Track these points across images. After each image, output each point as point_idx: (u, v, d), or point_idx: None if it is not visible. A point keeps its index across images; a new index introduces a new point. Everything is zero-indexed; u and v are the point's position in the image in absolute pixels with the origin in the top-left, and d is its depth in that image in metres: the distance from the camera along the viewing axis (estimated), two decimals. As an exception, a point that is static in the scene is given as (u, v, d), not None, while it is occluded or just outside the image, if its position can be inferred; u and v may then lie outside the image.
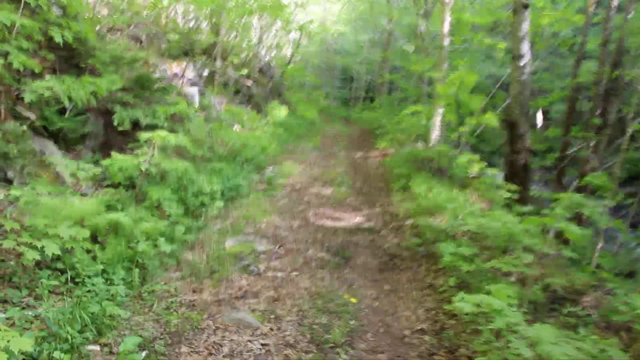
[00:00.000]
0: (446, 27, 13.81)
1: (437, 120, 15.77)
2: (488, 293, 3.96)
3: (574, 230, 4.79)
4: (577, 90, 13.14)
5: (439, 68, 15.51)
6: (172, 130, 9.81)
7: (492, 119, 8.94)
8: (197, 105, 14.08)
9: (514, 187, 8.10)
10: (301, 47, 39.55)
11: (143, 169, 6.54)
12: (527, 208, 6.16)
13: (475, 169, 9.15)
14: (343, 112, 35.39)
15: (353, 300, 5.52)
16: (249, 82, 21.65)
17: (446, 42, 14.70)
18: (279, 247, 7.04)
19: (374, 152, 17.62)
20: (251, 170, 10.91)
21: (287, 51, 36.16)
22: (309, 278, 6.08)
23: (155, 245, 5.72)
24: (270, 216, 8.43)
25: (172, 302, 5.06)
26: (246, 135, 12.41)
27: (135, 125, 8.70)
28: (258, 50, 26.19)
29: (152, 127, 9.28)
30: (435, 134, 15.88)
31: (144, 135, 6.70)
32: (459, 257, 5.47)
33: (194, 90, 14.27)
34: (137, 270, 5.26)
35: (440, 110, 15.88)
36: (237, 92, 21.05)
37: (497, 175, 10.45)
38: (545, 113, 21.18)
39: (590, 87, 13.28)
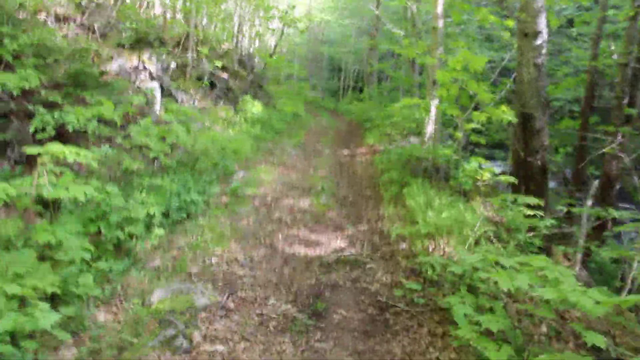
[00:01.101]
0: (440, 7, 11.87)
1: (432, 113, 13.94)
2: None
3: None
4: (596, 74, 11.19)
5: (432, 53, 13.63)
6: (107, 139, 7.88)
7: (507, 113, 6.97)
8: (158, 102, 12.08)
9: (533, 200, 6.20)
10: (286, 37, 37.57)
11: (30, 198, 4.59)
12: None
13: (485, 176, 7.23)
14: (331, 103, 33.42)
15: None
16: (226, 75, 19.66)
17: (440, 23, 12.81)
18: (229, 297, 5.10)
19: (362, 149, 15.69)
20: (213, 181, 8.97)
21: (271, 41, 34.13)
22: (262, 353, 4.15)
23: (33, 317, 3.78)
24: (227, 244, 6.50)
25: None
26: (211, 137, 10.44)
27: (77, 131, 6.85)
28: (237, 40, 24.17)
29: (83, 134, 7.38)
30: (430, 128, 13.98)
31: (30, 150, 4.76)
32: (480, 334, 3.54)
33: (154, 86, 12.23)
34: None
35: (436, 102, 14.00)
36: (213, 86, 19.08)
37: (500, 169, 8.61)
38: (546, 103, 19.20)
39: (607, 72, 11.35)
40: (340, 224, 7.78)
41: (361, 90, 34.41)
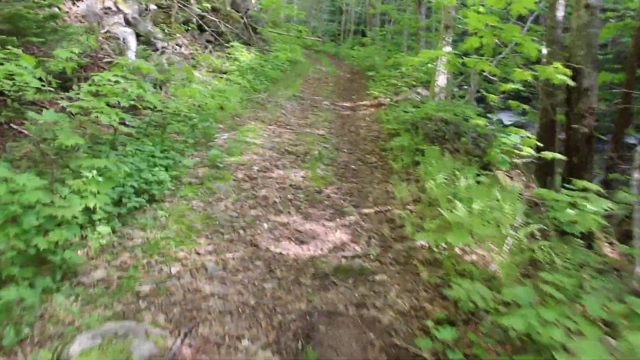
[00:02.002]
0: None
1: (443, 60, 12.26)
2: None
3: None
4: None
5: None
6: (50, 103, 6.27)
7: (561, 71, 5.27)
8: (132, 51, 10.35)
9: (580, 182, 4.62)
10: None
11: None
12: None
13: (526, 151, 5.62)
14: (331, 48, 31.37)
15: None
16: (215, 18, 17.77)
17: None
18: (185, 336, 3.59)
19: (365, 101, 14.01)
20: (186, 149, 7.39)
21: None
22: None
23: None
24: (195, 241, 4.98)
25: None
26: (189, 92, 8.77)
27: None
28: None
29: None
30: (441, 79, 12.29)
31: None
32: None
33: (126, 32, 10.47)
34: None
35: (448, 48, 12.31)
36: (201, 30, 17.19)
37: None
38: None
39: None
40: (340, 206, 6.22)
41: (363, 34, 32.34)
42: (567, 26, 7.67)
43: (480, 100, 17.65)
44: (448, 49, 12.19)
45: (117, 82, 5.62)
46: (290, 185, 6.74)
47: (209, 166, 7.05)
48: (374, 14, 27.77)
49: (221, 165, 7.08)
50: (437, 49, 12.41)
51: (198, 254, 4.76)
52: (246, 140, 8.54)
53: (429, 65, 12.82)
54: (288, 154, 8.15)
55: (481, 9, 8.94)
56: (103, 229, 4.65)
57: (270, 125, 10.08)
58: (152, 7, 13.12)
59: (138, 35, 11.57)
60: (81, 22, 10.33)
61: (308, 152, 8.30)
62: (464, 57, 5.92)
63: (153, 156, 6.34)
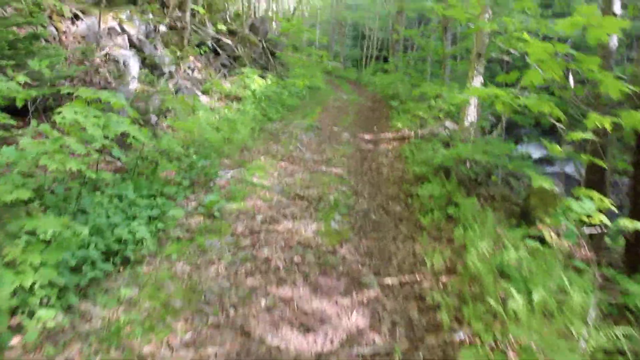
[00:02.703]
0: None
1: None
2: None
3: None
4: None
5: (481, 16, 10.79)
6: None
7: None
8: (133, 75, 9.37)
9: None
10: (307, 1, 34.50)
11: None
12: None
13: (597, 219, 4.42)
14: (353, 74, 30.42)
15: None
16: (232, 41, 16.86)
17: None
18: None
19: (388, 133, 12.87)
20: (182, 190, 6.30)
21: (290, 3, 31.07)
22: None
23: None
24: (166, 330, 3.83)
25: None
26: (186, 125, 7.70)
27: None
28: (250, 2, 21.23)
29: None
30: (471, 112, 11.14)
31: None
32: None
33: (126, 55, 9.48)
34: None
35: (479, 79, 11.18)
36: (216, 54, 16.26)
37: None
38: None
39: None
40: (358, 273, 5.05)
41: (385, 60, 31.34)
42: None
43: (508, 129, 16.45)
44: (479, 79, 11.08)
45: (81, 118, 4.53)
46: (299, 242, 5.59)
47: (205, 215, 5.95)
48: (397, 39, 26.74)
49: (218, 215, 5.97)
50: (468, 78, 11.28)
51: (170, 347, 3.62)
52: (252, 181, 7.44)
53: (456, 99, 11.70)
54: (299, 199, 7.02)
55: (525, 36, 7.82)
56: (45, 313, 3.54)
57: (282, 161, 8.98)
58: (162, 28, 12.19)
59: (144, 59, 10.61)
60: (79, 42, 9.39)
61: (322, 197, 7.16)
62: (520, 97, 4.70)
63: (134, 205, 5.26)
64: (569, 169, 17.99)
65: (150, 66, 10.65)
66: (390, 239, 5.96)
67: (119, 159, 6.53)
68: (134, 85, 9.38)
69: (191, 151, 7.38)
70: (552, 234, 6.47)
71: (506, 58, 12.22)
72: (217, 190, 6.73)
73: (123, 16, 10.57)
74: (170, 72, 11.39)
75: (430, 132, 11.71)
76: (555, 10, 13.57)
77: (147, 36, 11.35)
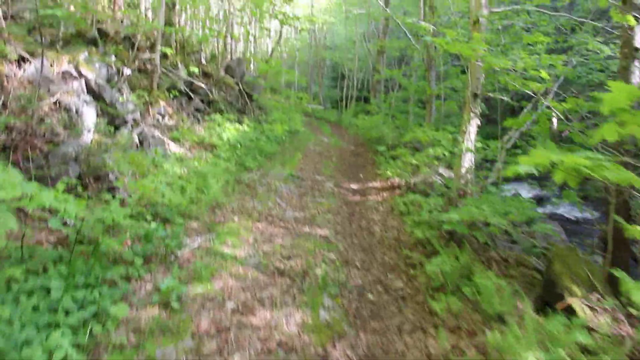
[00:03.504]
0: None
1: (472, 138, 10.09)
2: None
3: None
4: None
5: (476, 47, 9.84)
6: None
7: None
8: (88, 126, 8.13)
9: None
10: (285, 42, 33.74)
11: None
12: None
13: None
14: (333, 115, 29.50)
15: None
16: (206, 84, 15.70)
17: (485, 11, 9.16)
18: None
19: (375, 182, 11.71)
20: (132, 273, 4.99)
21: (268, 44, 30.26)
22: None
23: None
24: None
25: None
26: (145, 186, 6.41)
27: None
28: (225, 43, 20.23)
29: None
30: (467, 157, 10.06)
31: None
32: None
33: (80, 102, 8.24)
34: None
35: (476, 122, 10.15)
36: (189, 98, 15.08)
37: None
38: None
39: None
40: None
41: (366, 101, 30.50)
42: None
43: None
44: (476, 121, 10.04)
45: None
46: (280, 343, 4.29)
47: (160, 305, 4.64)
48: (379, 80, 25.89)
49: (177, 305, 4.66)
50: (463, 121, 10.22)
51: None
52: (223, 251, 6.16)
53: (449, 147, 10.61)
54: (279, 275, 5.74)
55: (543, 74, 6.74)
56: None
57: (259, 221, 7.74)
58: (127, 71, 10.99)
59: (103, 106, 9.37)
60: (25, 88, 8.13)
61: (307, 271, 5.90)
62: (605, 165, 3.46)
63: (61, 303, 3.95)
64: (562, 209, 16.95)
65: (111, 114, 9.40)
66: (394, 330, 4.69)
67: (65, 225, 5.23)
68: (88, 137, 8.12)
69: (148, 218, 6.09)
70: (585, 307, 5.32)
71: (506, 98, 11.22)
72: (179, 268, 5.43)
73: (80, 58, 9.35)
74: (134, 120, 10.15)
75: (423, 181, 10.57)
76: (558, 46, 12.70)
77: (108, 80, 10.12)
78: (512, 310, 4.39)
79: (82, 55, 9.53)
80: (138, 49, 12.00)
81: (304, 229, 7.63)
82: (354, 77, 33.93)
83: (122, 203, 5.90)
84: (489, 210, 5.67)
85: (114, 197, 5.97)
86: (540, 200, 20.13)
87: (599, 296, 5.68)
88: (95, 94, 9.31)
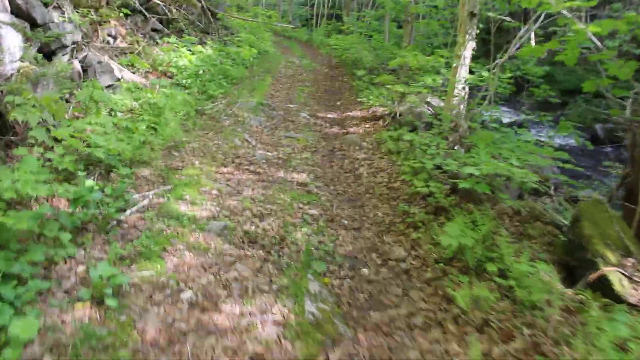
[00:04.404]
0: None
1: (467, 61, 8.89)
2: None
3: None
4: None
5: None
6: None
7: None
8: (10, 52, 6.56)
9: None
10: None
11: None
12: None
13: None
14: (304, 35, 27.51)
15: None
16: (164, 1, 13.81)
17: None
18: None
19: (356, 111, 10.38)
20: (60, 250, 3.68)
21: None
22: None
23: None
24: None
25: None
26: (73, 130, 4.97)
27: None
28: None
29: None
30: (459, 85, 8.81)
31: None
32: None
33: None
34: None
35: (472, 45, 8.87)
36: (146, 17, 13.22)
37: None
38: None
39: None
40: None
41: (337, 18, 28.53)
42: None
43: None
44: (472, 44, 8.73)
45: None
46: (253, 357, 3.10)
47: (91, 303, 3.38)
48: (352, -4, 23.89)
49: (114, 303, 3.39)
50: (458, 44, 8.87)
51: None
52: (179, 211, 4.86)
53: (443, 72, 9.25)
54: (250, 244, 4.50)
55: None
56: None
57: (224, 166, 6.42)
58: (63, -16, 9.16)
59: (34, 26, 7.70)
60: None
61: (284, 237, 4.67)
62: None
63: None
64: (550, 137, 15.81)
65: (44, 38, 7.74)
66: (403, 327, 3.54)
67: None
68: (12, 66, 6.54)
69: (80, 174, 4.71)
70: (623, 278, 4.29)
71: (507, 19, 9.84)
72: (121, 241, 4.14)
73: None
74: (76, 44, 8.49)
75: (409, 111, 9.27)
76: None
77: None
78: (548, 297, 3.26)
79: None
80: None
81: (278, 174, 6.35)
82: (324, -7, 31.74)
83: (42, 159, 4.49)
84: (515, 160, 4.45)
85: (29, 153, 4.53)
86: (520, 126, 19.02)
87: (634, 261, 4.59)
88: (21, 13, 7.60)
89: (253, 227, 4.77)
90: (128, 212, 4.68)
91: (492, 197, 5.42)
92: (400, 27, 20.54)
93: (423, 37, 17.80)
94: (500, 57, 8.82)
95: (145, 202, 5.01)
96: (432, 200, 5.30)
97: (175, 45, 10.32)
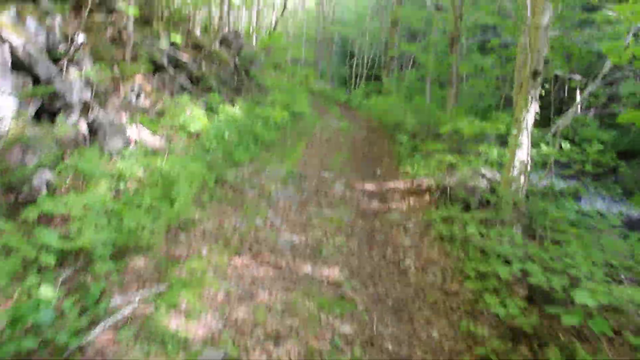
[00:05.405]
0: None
1: (528, 129, 7.60)
2: None
3: None
4: None
5: (536, 20, 7.36)
6: None
7: None
8: (5, 115, 5.54)
9: None
10: (292, 14, 31.09)
11: None
12: None
13: None
14: (342, 95, 26.59)
15: None
16: (194, 58, 13.05)
17: None
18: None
19: (398, 182, 9.10)
20: None
21: (272, 17, 27.45)
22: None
23: None
24: None
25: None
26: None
27: None
28: (222, 13, 17.35)
29: None
30: (522, 154, 7.51)
31: None
32: None
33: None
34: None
35: (535, 107, 7.61)
36: (174, 73, 12.38)
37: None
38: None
39: None
40: None
41: (377, 79, 27.66)
42: None
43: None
44: (535, 106, 7.49)
45: None
46: None
47: None
48: (393, 56, 22.90)
49: None
50: (517, 107, 7.61)
51: None
52: (166, 329, 3.59)
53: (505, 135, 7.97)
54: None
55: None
56: None
57: (238, 255, 5.17)
58: (80, 38, 8.28)
59: (37, 82, 6.75)
60: None
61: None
62: None
63: None
64: (599, 205, 14.18)
65: (47, 95, 6.77)
66: None
67: None
68: (2, 128, 5.54)
69: (33, 280, 3.53)
70: None
71: (577, 77, 8.58)
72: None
73: (4, 18, 6.71)
74: (85, 104, 7.51)
75: (461, 183, 7.94)
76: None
77: (49, 49, 7.45)
78: None
79: (8, 13, 6.88)
80: (91, 10, 9.21)
81: (304, 269, 5.06)
82: (363, 54, 31.05)
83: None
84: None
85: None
86: (574, 195, 17.33)
87: None
88: (23, 67, 6.68)
89: (264, 358, 3.45)
90: (98, 329, 3.45)
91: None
92: (442, 87, 19.47)
93: (470, 98, 16.66)
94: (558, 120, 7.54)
95: (128, 310, 3.77)
96: (506, 315, 3.91)
97: (186, 105, 9.32)
